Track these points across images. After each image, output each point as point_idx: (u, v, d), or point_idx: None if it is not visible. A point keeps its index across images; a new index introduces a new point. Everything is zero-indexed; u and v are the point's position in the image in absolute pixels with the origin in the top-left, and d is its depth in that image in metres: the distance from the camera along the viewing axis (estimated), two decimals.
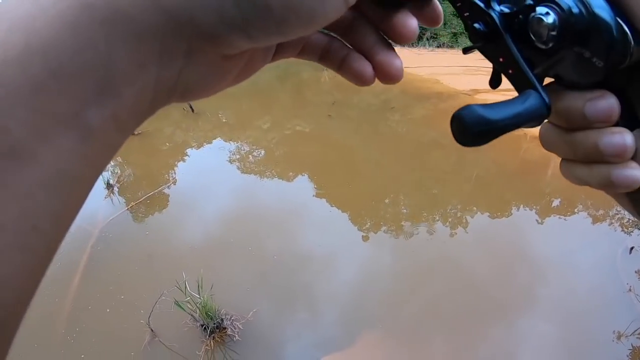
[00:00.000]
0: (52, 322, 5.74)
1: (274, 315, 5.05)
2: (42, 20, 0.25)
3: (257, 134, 11.62)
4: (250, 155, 10.19)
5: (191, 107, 13.60)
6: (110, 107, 0.28)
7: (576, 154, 0.45)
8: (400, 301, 5.08)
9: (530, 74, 0.41)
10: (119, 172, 10.03)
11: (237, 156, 10.30)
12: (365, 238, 6.24)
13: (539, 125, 0.45)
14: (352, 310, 5.03)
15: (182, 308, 4.72)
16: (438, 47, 20.14)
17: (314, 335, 4.88)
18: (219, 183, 9.03)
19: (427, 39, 20.22)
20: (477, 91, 13.33)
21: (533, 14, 0.40)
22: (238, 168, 9.61)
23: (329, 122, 10.89)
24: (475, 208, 6.96)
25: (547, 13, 0.39)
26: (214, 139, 12.10)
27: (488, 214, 6.94)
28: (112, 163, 11.10)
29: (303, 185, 8.16)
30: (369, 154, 8.96)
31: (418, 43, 19.97)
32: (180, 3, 0.28)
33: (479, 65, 17.14)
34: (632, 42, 0.39)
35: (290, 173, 8.78)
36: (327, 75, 15.51)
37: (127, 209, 8.35)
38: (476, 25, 0.42)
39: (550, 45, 0.41)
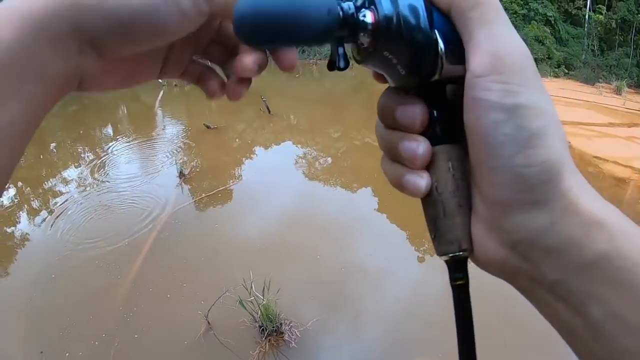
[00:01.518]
0: (111, 298, 6.15)
1: (333, 327, 5.13)
2: None
3: (327, 141, 11.81)
4: (317, 162, 10.38)
5: (267, 109, 13.96)
6: (31, 90, 0.41)
7: (385, 149, 0.52)
8: (448, 328, 5.01)
9: None
10: (191, 163, 10.49)
11: (305, 161, 10.51)
12: (420, 259, 6.26)
13: (321, 41, 0.45)
14: (397, 332, 5.04)
15: (245, 307, 4.87)
16: None
17: (363, 351, 4.91)
18: (285, 185, 9.21)
19: None
20: None
21: (359, 13, 0.43)
22: (304, 173, 9.81)
23: None
24: None
25: (365, 15, 0.43)
26: (284, 141, 12.41)
27: None
28: (184, 154, 11.59)
29: (366, 198, 8.26)
30: None
31: None
32: (75, 15, 0.40)
33: (560, 96, 16.78)
34: (444, 58, 0.43)
35: (355, 184, 8.89)
36: None
37: (196, 200, 8.79)
38: None
39: (366, 45, 0.45)
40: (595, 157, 10.68)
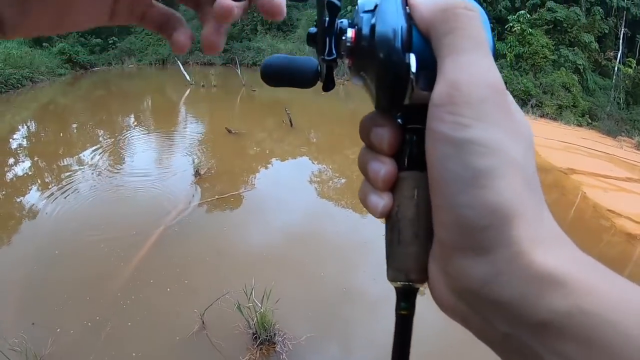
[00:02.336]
0: (111, 283, 6.21)
1: (326, 346, 5.14)
2: None
3: (343, 161, 11.85)
4: (331, 181, 10.44)
5: (290, 121, 14.06)
6: None
7: (360, 166, 0.51)
8: None
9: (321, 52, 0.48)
10: (208, 163, 10.60)
11: (319, 178, 10.57)
12: (421, 292, 6.10)
13: (309, 85, 0.51)
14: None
15: (242, 312, 4.88)
16: (541, 116, 19.65)
17: None
18: (297, 200, 9.28)
19: (532, 107, 19.90)
20: (573, 170, 12.90)
21: (345, 32, 0.46)
22: (317, 190, 9.86)
23: None
24: None
25: (347, 34, 0.46)
26: (301, 155, 12.49)
27: None
28: (202, 154, 11.70)
29: (374, 223, 8.09)
30: None
31: (522, 108, 19.64)
32: None
33: (581, 145, 16.67)
34: (414, 83, 0.42)
35: (365, 209, 8.89)
36: None
37: (208, 201, 8.88)
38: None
39: (347, 63, 0.48)
40: (609, 210, 10.51)
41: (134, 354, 4.93)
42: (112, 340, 5.12)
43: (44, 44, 31.03)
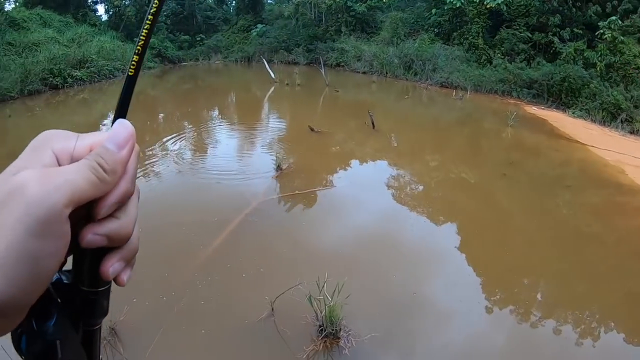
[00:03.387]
0: (189, 264, 6.44)
1: (387, 347, 5.03)
2: None
3: (422, 168, 11.65)
4: (409, 187, 10.29)
5: (372, 123, 13.98)
6: None
7: None
8: None
9: None
10: (289, 159, 10.74)
11: (397, 183, 10.44)
12: (489, 310, 5.95)
13: None
14: None
15: (312, 304, 4.89)
16: (631, 132, 18.63)
17: None
18: (374, 202, 9.19)
19: (621, 122, 18.89)
20: None
21: None
22: (394, 194, 9.73)
23: (497, 181, 10.60)
24: (613, 324, 6.06)
25: None
26: (381, 159, 12.35)
27: (623, 335, 5.88)
28: (284, 149, 11.88)
29: (450, 233, 8.00)
30: (525, 226, 8.51)
31: (611, 123, 18.60)
32: None
33: None
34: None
35: (442, 217, 8.70)
36: (510, 131, 15.11)
37: (288, 195, 8.98)
38: None
39: None
40: None
41: (202, 331, 5.07)
42: (183, 315, 5.29)
43: (134, 39, 32.45)
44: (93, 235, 0.53)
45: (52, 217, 0.46)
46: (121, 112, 0.59)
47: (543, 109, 20.30)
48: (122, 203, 0.56)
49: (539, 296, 6.41)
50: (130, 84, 0.61)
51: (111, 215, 0.54)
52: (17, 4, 30.31)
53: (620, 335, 5.89)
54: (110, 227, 0.54)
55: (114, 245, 0.55)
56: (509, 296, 6.26)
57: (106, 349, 4.78)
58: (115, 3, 34.38)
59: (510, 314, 5.87)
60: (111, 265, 0.56)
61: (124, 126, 0.57)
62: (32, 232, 0.45)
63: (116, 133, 0.56)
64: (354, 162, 11.76)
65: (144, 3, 35.45)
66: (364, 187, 10.04)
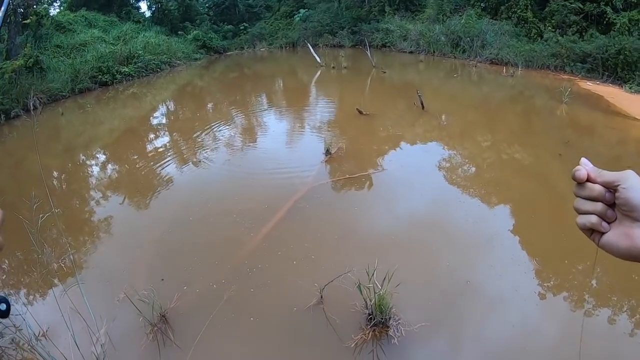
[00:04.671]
0: (239, 251, 6.49)
1: (438, 337, 4.94)
2: None
3: (474, 148, 11.36)
4: (460, 168, 10.07)
5: (422, 104, 13.77)
6: None
7: None
8: None
9: None
10: (338, 143, 10.68)
11: (447, 164, 10.22)
12: (542, 296, 5.70)
13: None
14: None
15: (361, 292, 4.82)
16: None
17: None
18: (425, 185, 9.03)
19: None
20: None
21: None
22: (445, 176, 9.51)
23: (552, 160, 10.20)
24: None
25: None
26: (432, 140, 12.10)
27: None
28: (333, 134, 11.83)
29: (503, 216, 7.74)
30: None
31: None
32: None
33: None
34: None
35: (494, 199, 8.46)
36: (565, 108, 14.63)
37: (338, 180, 8.95)
38: None
39: None
40: None
41: (251, 318, 5.10)
42: (233, 302, 5.34)
43: (179, 32, 33.29)
44: None
45: None
46: None
47: (598, 84, 19.51)
48: None
49: (594, 284, 6.15)
50: None
51: None
52: (62, 8, 31.26)
53: None
54: None
55: None
56: (566, 284, 6.00)
57: (157, 335, 4.89)
58: None
59: (565, 303, 5.61)
60: None
61: None
62: None
63: None
64: (404, 144, 11.59)
65: None
66: (415, 170, 9.88)
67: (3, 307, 0.71)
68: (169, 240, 6.94)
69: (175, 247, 6.72)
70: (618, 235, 0.93)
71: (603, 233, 0.96)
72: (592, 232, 0.98)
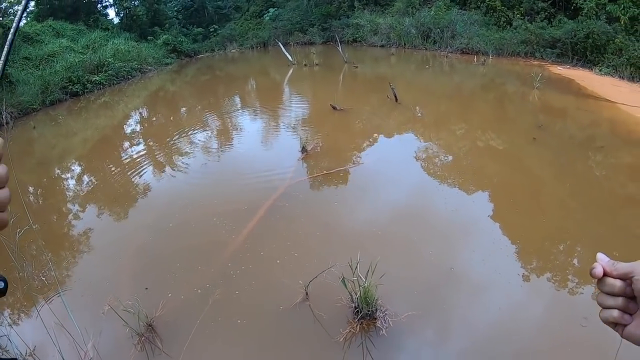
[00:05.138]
0: (222, 254, 6.44)
1: (426, 325, 4.97)
2: None
3: (450, 138, 11.44)
4: (437, 158, 10.14)
5: (395, 96, 13.84)
6: None
7: None
8: (536, 358, 4.61)
9: None
10: (314, 140, 10.70)
11: (425, 154, 10.28)
12: (526, 277, 5.82)
13: None
14: (490, 348, 4.71)
15: (346, 286, 4.83)
16: None
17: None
18: (403, 176, 9.11)
19: None
20: None
21: None
22: (423, 166, 9.59)
23: (526, 145, 10.31)
24: None
25: None
26: (407, 132, 12.18)
27: None
28: (308, 131, 11.84)
29: (481, 202, 7.84)
30: (558, 190, 8.30)
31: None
32: None
33: None
34: None
35: (472, 187, 8.54)
36: (537, 93, 14.81)
37: (316, 176, 8.94)
38: None
39: None
40: None
41: (238, 321, 5.08)
42: (219, 306, 5.32)
43: (148, 38, 33.01)
44: None
45: None
46: None
47: (569, 68, 19.79)
48: None
49: (576, 262, 6.28)
50: None
51: None
52: (29, 18, 30.79)
53: None
54: None
55: None
56: (547, 264, 6.11)
57: (145, 345, 4.85)
58: (125, 5, 34.55)
59: (548, 283, 5.72)
60: None
61: None
62: None
63: None
64: (380, 137, 11.65)
65: (154, 1, 35.63)
66: (392, 162, 9.94)
67: (1, 284, 0.75)
68: (150, 248, 6.88)
69: (157, 254, 6.66)
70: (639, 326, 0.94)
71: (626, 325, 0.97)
72: (616, 324, 0.99)
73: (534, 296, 5.54)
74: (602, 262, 1.01)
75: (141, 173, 10.22)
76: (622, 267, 0.96)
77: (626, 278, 0.95)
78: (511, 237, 6.68)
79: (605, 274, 0.98)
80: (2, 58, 0.88)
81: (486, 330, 4.97)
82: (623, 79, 17.77)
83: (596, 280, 1.00)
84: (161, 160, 11.19)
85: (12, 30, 0.88)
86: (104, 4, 36.88)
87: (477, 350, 4.73)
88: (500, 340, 4.84)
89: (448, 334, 4.93)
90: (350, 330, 4.76)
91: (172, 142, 12.63)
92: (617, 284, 0.96)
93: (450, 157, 10.17)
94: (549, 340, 4.82)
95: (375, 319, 4.85)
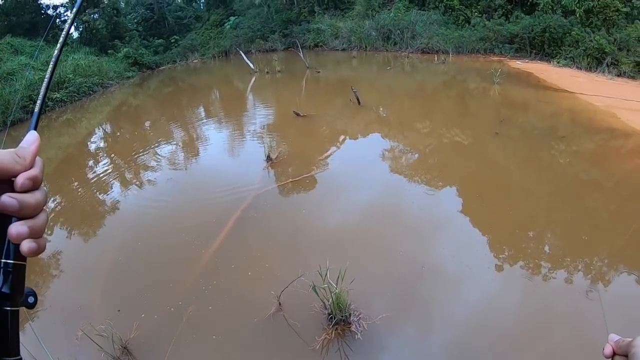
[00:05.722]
0: (192, 270, 6.31)
1: (401, 325, 4.98)
2: None
3: (414, 136, 11.54)
4: (403, 156, 10.19)
5: (357, 99, 13.86)
6: None
7: None
8: (514, 347, 4.70)
9: None
10: (279, 148, 10.62)
11: (391, 155, 10.34)
12: (499, 267, 5.91)
13: None
14: (466, 341, 4.74)
15: (317, 293, 4.80)
16: (618, 75, 18.29)
17: (427, 356, 4.68)
18: (371, 178, 9.10)
19: (607, 65, 18.51)
20: None
21: None
22: (390, 167, 9.62)
23: (490, 139, 10.48)
24: (622, 267, 6.03)
25: None
26: (372, 133, 12.22)
27: (636, 277, 5.79)
28: (273, 138, 11.76)
29: (450, 198, 7.94)
30: (524, 180, 8.50)
31: (597, 68, 18.42)
32: None
33: None
34: None
35: (440, 183, 8.63)
36: (497, 89, 15.02)
37: (282, 185, 8.85)
38: None
39: None
40: None
41: (214, 337, 5.01)
42: (193, 323, 5.23)
43: (109, 51, 32.54)
44: (7, 197, 0.71)
45: None
46: (34, 126, 0.88)
47: (527, 62, 20.19)
48: (33, 182, 0.78)
49: (546, 249, 6.36)
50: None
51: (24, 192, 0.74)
52: None
53: (631, 277, 5.83)
54: (24, 196, 0.74)
55: (23, 214, 0.74)
56: (518, 253, 6.22)
57: None
58: (84, 19, 33.96)
59: (521, 271, 5.83)
60: (16, 228, 0.72)
61: (33, 134, 0.85)
62: None
63: (28, 138, 0.83)
64: (345, 141, 11.66)
65: (113, 14, 35.18)
66: (359, 164, 9.96)
67: (31, 299, 0.78)
68: (120, 268, 6.72)
69: (128, 274, 6.51)
70: None
71: None
72: None
73: (507, 285, 5.66)
74: (612, 341, 1.02)
75: (107, 191, 10.00)
76: (623, 344, 0.98)
77: (625, 354, 0.97)
78: (481, 230, 6.79)
79: (614, 353, 1.00)
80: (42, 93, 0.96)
81: (462, 324, 5.02)
82: (581, 69, 18.24)
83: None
84: (127, 177, 10.98)
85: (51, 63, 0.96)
86: (62, 19, 36.24)
87: (455, 345, 4.76)
88: (477, 332, 4.89)
89: (424, 332, 4.97)
90: (326, 337, 4.73)
91: (137, 157, 12.42)
92: None
93: (416, 155, 10.24)
94: (526, 326, 4.92)
95: (350, 323, 4.84)
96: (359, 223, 7.23)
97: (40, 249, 0.75)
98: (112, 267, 6.79)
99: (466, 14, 25.19)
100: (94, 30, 34.13)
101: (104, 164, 12.94)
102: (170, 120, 17.83)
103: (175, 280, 6.13)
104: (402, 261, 6.05)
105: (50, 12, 35.96)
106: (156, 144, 13.44)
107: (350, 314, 4.85)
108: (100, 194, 9.98)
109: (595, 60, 18.77)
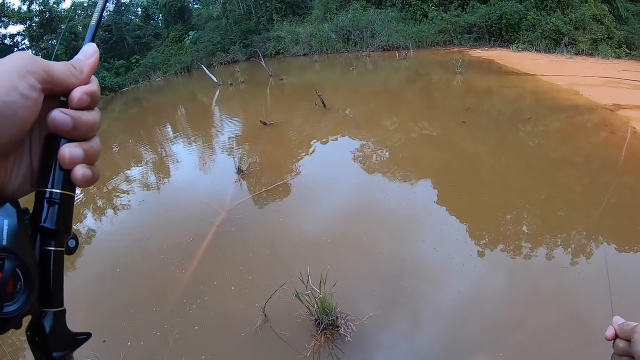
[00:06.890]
0: (174, 291, 6.20)
1: (390, 322, 4.97)
2: None
3: (384, 134, 11.59)
4: (374, 155, 10.23)
5: (323, 103, 13.87)
6: None
7: None
8: (505, 329, 4.78)
9: None
10: (249, 159, 10.56)
11: (362, 154, 10.36)
12: (481, 254, 5.99)
13: None
14: (457, 329, 4.79)
15: (301, 300, 4.78)
16: (577, 54, 18.58)
17: (420, 348, 4.71)
18: (344, 179, 9.11)
19: (566, 45, 18.82)
20: (619, 106, 11.60)
21: None
22: (362, 166, 9.65)
23: (458, 129, 10.60)
24: (601, 238, 6.22)
25: None
26: (341, 135, 12.22)
27: (615, 246, 6.09)
28: (242, 150, 11.69)
29: (425, 190, 8.04)
30: (496, 165, 8.67)
31: (555, 49, 18.80)
32: None
33: (623, 78, 15.32)
34: None
35: (414, 177, 8.67)
36: (460, 79, 15.19)
37: (256, 195, 8.78)
38: None
39: None
40: None
41: (203, 357, 4.92)
42: (181, 346, 5.14)
43: None
44: (60, 112, 0.63)
45: (34, 69, 0.60)
46: (91, 38, 0.74)
47: (487, 50, 20.53)
48: (91, 99, 0.70)
49: (525, 229, 6.45)
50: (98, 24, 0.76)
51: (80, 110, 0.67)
52: None
53: (611, 246, 5.98)
54: (80, 114, 0.66)
55: (76, 135, 0.66)
56: (498, 237, 6.31)
57: None
58: (42, 46, 33.49)
59: (503, 254, 5.95)
60: (70, 150, 0.65)
61: (91, 46, 0.74)
62: (19, 73, 0.57)
63: (85, 50, 0.73)
64: (315, 145, 11.63)
65: (71, 39, 34.71)
66: (331, 167, 9.97)
67: (73, 243, 0.70)
68: (102, 298, 6.56)
69: (110, 303, 6.36)
70: None
71: None
72: None
73: (492, 270, 5.76)
74: (616, 324, 1.03)
75: (81, 221, 9.80)
76: (627, 328, 0.99)
77: (628, 339, 0.98)
78: (459, 218, 6.85)
79: (617, 336, 1.02)
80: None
81: (452, 313, 5.08)
82: (540, 52, 18.64)
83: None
84: (100, 205, 10.79)
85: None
86: (20, 48, 35.68)
87: (448, 335, 4.78)
88: (467, 319, 4.93)
89: (414, 326, 4.98)
90: (315, 344, 4.70)
91: (107, 183, 12.23)
92: (621, 344, 0.99)
93: (387, 152, 10.28)
94: (514, 307, 5.00)
95: (338, 327, 4.81)
96: (338, 225, 7.22)
97: (95, 178, 0.70)
98: (94, 297, 6.63)
99: (423, 9, 25.49)
100: (52, 58, 33.63)
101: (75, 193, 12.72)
102: (138, 142, 17.63)
103: (159, 304, 6.01)
104: (384, 259, 6.06)
105: (7, 42, 35.37)
106: (126, 168, 13.26)
107: (337, 318, 4.82)
108: (73, 224, 9.80)
109: (554, 42, 19.18)
